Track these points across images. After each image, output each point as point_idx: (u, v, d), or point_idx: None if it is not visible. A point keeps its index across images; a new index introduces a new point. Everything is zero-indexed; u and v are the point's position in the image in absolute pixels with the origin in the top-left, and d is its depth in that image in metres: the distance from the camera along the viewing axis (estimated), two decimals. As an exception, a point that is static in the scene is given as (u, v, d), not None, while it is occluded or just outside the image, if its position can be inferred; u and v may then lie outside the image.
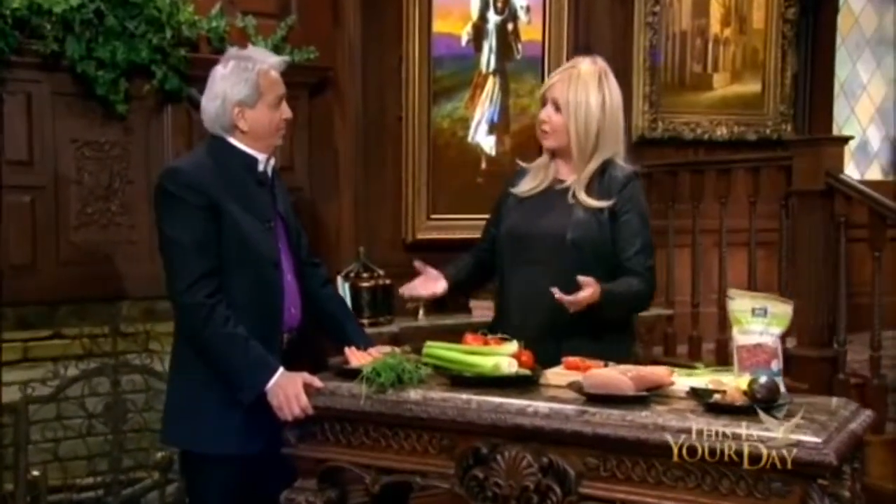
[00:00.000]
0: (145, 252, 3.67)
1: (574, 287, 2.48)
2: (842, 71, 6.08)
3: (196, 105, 3.71)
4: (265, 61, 2.66)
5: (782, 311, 2.34)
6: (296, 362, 2.66)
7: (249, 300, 2.61)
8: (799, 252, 4.30)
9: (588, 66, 2.73)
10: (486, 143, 4.69)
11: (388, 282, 4.32)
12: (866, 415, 2.29)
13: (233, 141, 2.67)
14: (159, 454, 3.73)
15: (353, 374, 2.54)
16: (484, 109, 4.65)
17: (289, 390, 2.50)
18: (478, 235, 4.56)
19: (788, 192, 4.44)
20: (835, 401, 2.34)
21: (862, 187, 4.14)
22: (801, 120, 5.73)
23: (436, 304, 2.84)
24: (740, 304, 2.37)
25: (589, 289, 2.47)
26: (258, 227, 2.66)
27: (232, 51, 2.72)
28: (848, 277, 4.23)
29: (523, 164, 2.91)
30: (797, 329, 4.22)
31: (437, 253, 4.65)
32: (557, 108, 2.72)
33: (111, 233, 3.66)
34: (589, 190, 2.71)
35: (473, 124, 4.65)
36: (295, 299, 2.75)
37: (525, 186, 2.83)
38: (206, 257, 2.56)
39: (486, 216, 4.66)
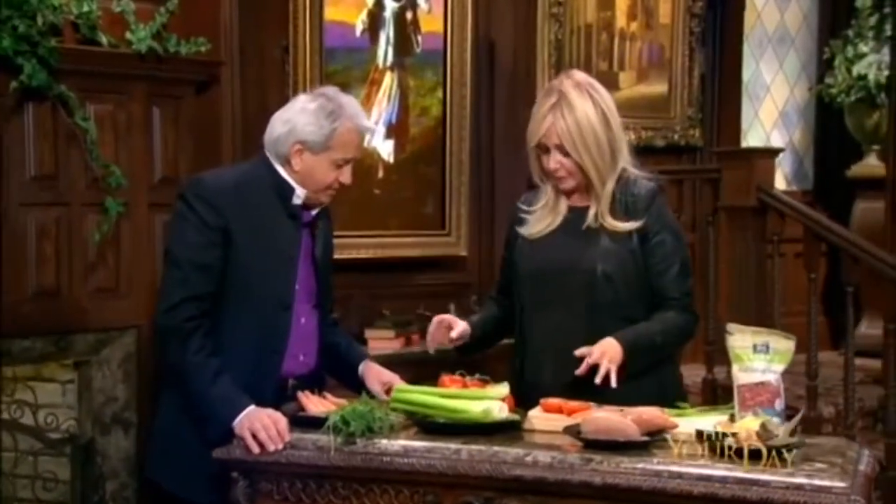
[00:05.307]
0: (-2, 280, 3.61)
1: (606, 325, 2.75)
2: (745, 71, 6.60)
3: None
4: (353, 120, 2.85)
5: (784, 346, 2.62)
6: None
7: (246, 339, 2.80)
8: (732, 272, 4.69)
9: (571, 87, 2.86)
10: (384, 148, 4.85)
11: (279, 310, 4.40)
12: (867, 454, 2.60)
13: (279, 168, 2.87)
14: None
15: (310, 423, 2.67)
16: (381, 110, 4.81)
17: (262, 418, 2.63)
18: (379, 254, 4.79)
19: (716, 207, 4.83)
20: (836, 441, 2.65)
21: (797, 204, 4.57)
22: (710, 125, 6.20)
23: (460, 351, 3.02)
24: (741, 339, 2.64)
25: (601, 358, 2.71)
26: (275, 263, 2.84)
27: (329, 90, 2.93)
28: (780, 298, 4.66)
29: (524, 208, 3.01)
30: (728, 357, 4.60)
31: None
32: (565, 153, 2.84)
33: (-40, 257, 3.57)
34: (612, 210, 2.88)
35: (369, 127, 4.79)
36: (307, 346, 2.94)
37: (537, 227, 2.96)
38: (199, 280, 2.75)
39: (386, 232, 4.88)
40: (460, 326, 2.94)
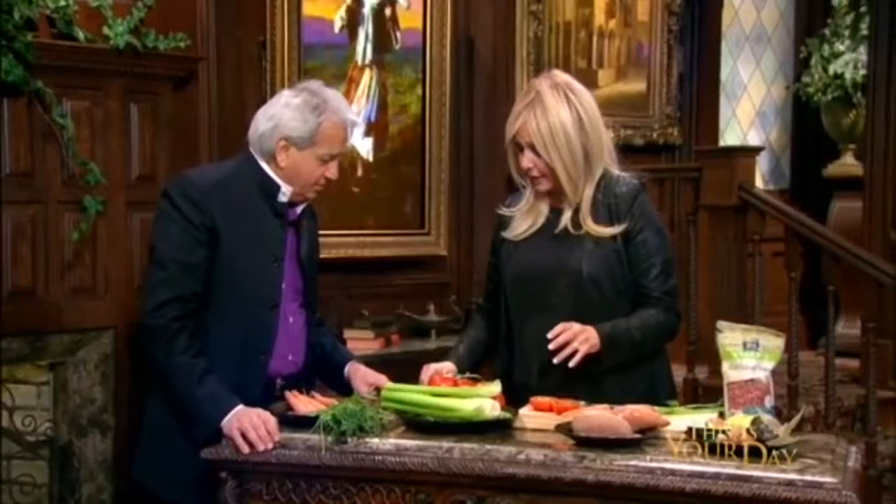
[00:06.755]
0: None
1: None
2: (722, 69, 6.69)
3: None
4: (338, 114, 2.87)
5: (774, 344, 2.69)
6: None
7: (233, 338, 2.83)
8: (713, 271, 4.76)
9: (547, 88, 2.90)
10: (363, 146, 4.88)
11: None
12: (855, 451, 2.67)
13: (264, 165, 2.89)
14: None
15: (299, 423, 2.71)
16: (360, 107, 4.85)
17: (251, 418, 2.66)
18: (357, 254, 4.83)
19: (696, 206, 4.90)
20: (825, 438, 2.73)
21: (779, 203, 4.65)
22: (688, 123, 6.29)
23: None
24: (731, 337, 2.71)
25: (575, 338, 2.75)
26: (261, 262, 2.87)
27: (313, 84, 2.93)
28: (762, 298, 4.74)
29: (505, 211, 3.06)
30: (708, 357, 4.68)
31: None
32: (537, 153, 2.88)
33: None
34: (594, 212, 2.91)
35: (348, 124, 4.83)
36: (295, 346, 2.98)
37: (519, 229, 3.00)
38: (185, 280, 2.78)
39: (365, 231, 4.92)
40: (449, 371, 2.95)
